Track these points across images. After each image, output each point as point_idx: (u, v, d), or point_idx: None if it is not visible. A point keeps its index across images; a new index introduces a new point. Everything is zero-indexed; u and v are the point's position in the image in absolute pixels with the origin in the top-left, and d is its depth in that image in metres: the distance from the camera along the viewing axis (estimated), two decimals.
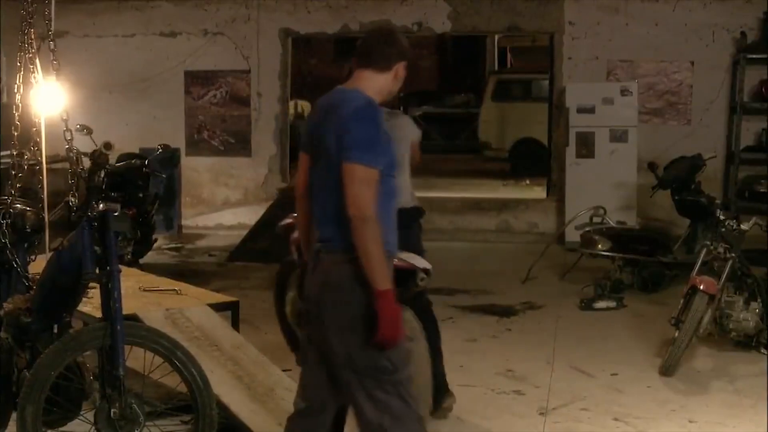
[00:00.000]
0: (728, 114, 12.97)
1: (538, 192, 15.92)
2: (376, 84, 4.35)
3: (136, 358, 5.02)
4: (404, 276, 5.22)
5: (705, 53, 12.89)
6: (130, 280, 7.05)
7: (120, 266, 4.79)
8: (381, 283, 4.00)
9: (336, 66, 32.25)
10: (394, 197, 4.28)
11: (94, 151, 5.79)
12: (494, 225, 13.27)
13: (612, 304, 9.34)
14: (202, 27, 13.67)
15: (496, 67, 27.58)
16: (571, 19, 13.10)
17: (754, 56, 12.57)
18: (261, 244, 12.14)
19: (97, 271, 4.65)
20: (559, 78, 13.26)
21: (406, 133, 6.52)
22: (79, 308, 5.40)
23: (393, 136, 4.37)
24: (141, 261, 10.48)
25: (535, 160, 17.13)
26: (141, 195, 10.63)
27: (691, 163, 10.28)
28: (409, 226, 6.11)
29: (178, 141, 13.68)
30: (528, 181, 18.02)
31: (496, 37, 25.61)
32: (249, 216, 13.25)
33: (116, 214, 4.66)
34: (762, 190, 12.59)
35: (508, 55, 28.58)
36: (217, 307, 6.55)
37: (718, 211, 7.87)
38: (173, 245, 12.71)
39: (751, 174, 12.79)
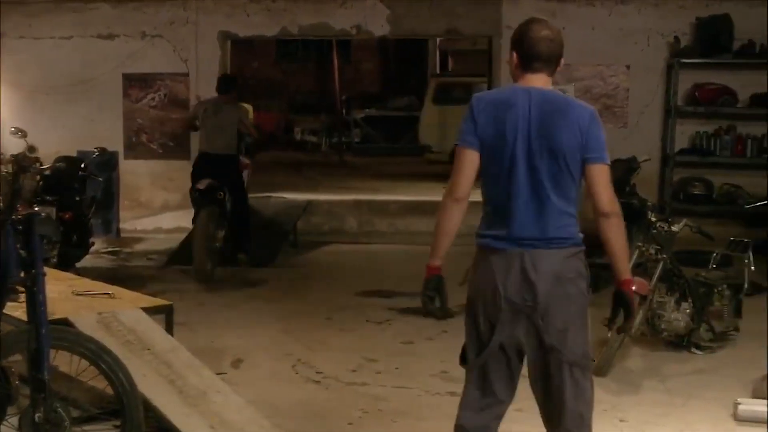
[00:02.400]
0: (663, 117, 13.13)
1: (479, 195, 15.98)
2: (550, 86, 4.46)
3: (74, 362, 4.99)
4: None
5: (640, 57, 13.04)
6: (63, 283, 7.02)
7: (45, 269, 4.75)
8: (629, 272, 4.51)
9: (278, 68, 32.24)
10: None
11: (18, 154, 5.75)
12: (434, 227, 13.28)
13: None
14: (141, 29, 13.56)
15: (438, 70, 27.67)
16: (509, 23, 13.13)
17: (687, 60, 12.74)
18: None
19: (22, 274, 4.60)
20: (498, 81, 13.34)
21: None
22: (9, 312, 5.35)
23: None
24: (78, 265, 10.43)
25: None
26: (77, 198, 10.58)
27: (625, 166, 10.39)
28: None
29: (117, 144, 13.58)
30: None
31: (438, 40, 25.68)
32: (188, 219, 13.11)
33: (41, 216, 4.63)
34: (696, 192, 12.84)
35: (450, 59, 28.71)
36: (151, 311, 6.52)
37: (649, 213, 7.99)
38: (111, 249, 12.63)
39: (686, 176, 13.00)
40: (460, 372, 7.24)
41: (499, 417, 4.61)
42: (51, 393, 4.56)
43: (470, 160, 4.38)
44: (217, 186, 10.98)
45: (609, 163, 4.35)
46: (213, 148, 11.46)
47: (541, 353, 4.39)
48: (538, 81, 4.36)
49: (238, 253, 11.55)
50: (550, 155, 4.28)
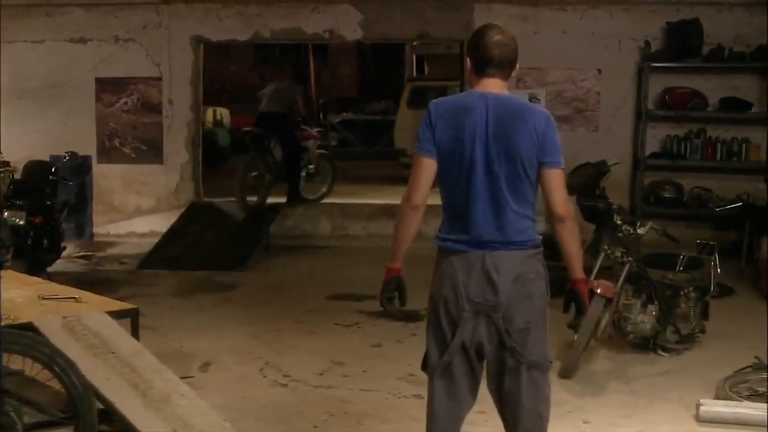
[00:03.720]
0: (634, 121, 13.21)
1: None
2: (506, 91, 4.50)
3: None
4: None
5: (611, 61, 13.11)
6: (30, 288, 7.03)
7: (11, 273, 4.76)
8: (582, 272, 4.59)
9: (256, 72, 32.22)
10: None
11: None
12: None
13: None
14: (113, 33, 13.55)
15: (415, 75, 27.68)
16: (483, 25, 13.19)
17: (658, 65, 12.84)
18: (172, 251, 12.14)
19: None
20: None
21: None
22: None
23: None
24: (49, 269, 10.41)
25: None
26: (48, 203, 10.56)
27: (595, 170, 10.46)
28: None
29: (90, 148, 13.58)
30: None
31: (413, 44, 25.70)
32: (161, 223, 13.19)
33: None
34: (667, 195, 12.92)
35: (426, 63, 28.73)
36: (117, 315, 6.52)
37: (615, 216, 8.05)
38: (84, 253, 12.60)
39: (657, 179, 13.07)
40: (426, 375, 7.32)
41: (462, 418, 4.65)
42: (3, 396, 4.55)
43: (427, 168, 4.43)
44: (262, 135, 13.65)
45: (563, 167, 4.41)
46: (268, 107, 14.10)
47: (501, 353, 4.43)
48: (493, 86, 4.41)
49: (295, 194, 13.93)
50: (508, 159, 4.33)
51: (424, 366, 4.65)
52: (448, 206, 4.51)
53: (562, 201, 4.39)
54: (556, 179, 4.39)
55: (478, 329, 4.42)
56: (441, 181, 4.46)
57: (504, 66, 4.42)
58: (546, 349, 4.52)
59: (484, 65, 4.42)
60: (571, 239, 4.46)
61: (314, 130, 15.25)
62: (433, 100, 4.56)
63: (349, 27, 13.45)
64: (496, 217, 4.37)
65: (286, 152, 13.97)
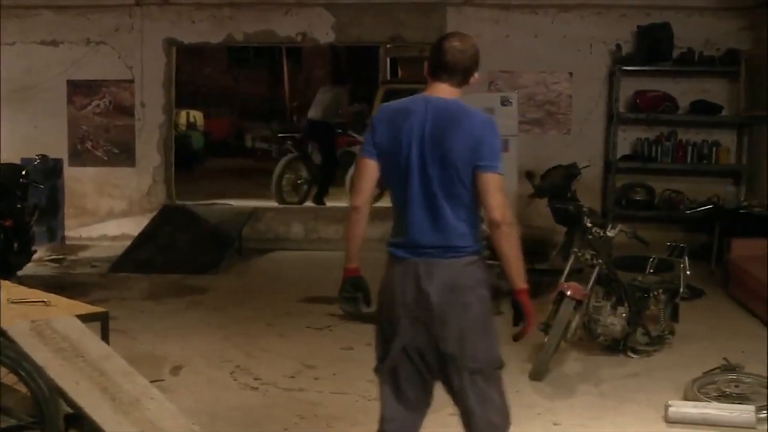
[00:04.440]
0: (606, 124, 13.27)
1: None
2: (458, 96, 4.43)
3: None
4: None
5: (583, 64, 13.17)
6: None
7: None
8: (523, 281, 4.40)
9: (230, 75, 32.19)
10: None
11: None
12: (380, 233, 13.31)
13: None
14: (85, 36, 13.49)
15: (389, 77, 27.67)
16: (454, 30, 13.22)
17: (629, 68, 12.90)
18: (143, 254, 12.10)
19: None
20: None
21: None
22: None
23: None
24: (20, 273, 10.37)
25: None
26: (19, 206, 10.51)
27: (566, 172, 10.49)
28: None
29: (61, 151, 13.53)
30: None
31: (387, 47, 25.71)
32: (133, 226, 13.15)
33: None
34: (638, 198, 12.98)
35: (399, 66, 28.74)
36: (86, 318, 6.49)
37: (585, 218, 8.09)
38: (55, 256, 12.55)
39: (628, 182, 13.14)
40: None
41: (416, 421, 4.62)
42: None
43: (368, 170, 4.44)
44: (303, 140, 15.80)
45: (502, 172, 4.30)
46: (314, 115, 15.27)
47: (441, 360, 4.41)
48: (442, 90, 4.39)
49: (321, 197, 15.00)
50: (442, 163, 4.29)
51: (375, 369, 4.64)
52: (393, 209, 4.50)
53: (496, 205, 4.26)
54: (490, 183, 4.27)
55: (416, 336, 4.41)
56: (387, 183, 4.48)
57: (456, 72, 4.38)
58: (492, 356, 4.44)
59: (436, 69, 4.41)
60: (508, 246, 4.30)
61: (360, 136, 15.58)
62: (381, 104, 4.60)
63: (322, 30, 13.45)
64: (432, 221, 4.34)
65: (324, 159, 15.49)
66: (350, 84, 16.68)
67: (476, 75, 4.46)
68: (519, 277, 4.38)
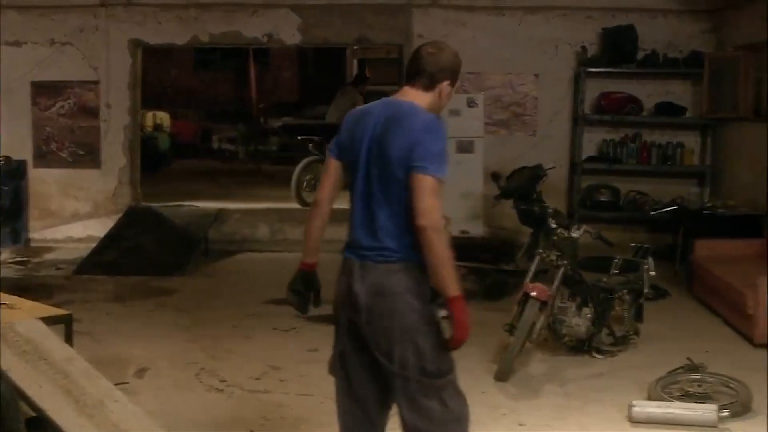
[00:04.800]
0: (571, 125, 13.33)
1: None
2: (424, 102, 4.37)
3: None
4: None
5: (549, 66, 13.23)
6: None
7: None
8: (453, 289, 4.19)
9: (196, 76, 32.06)
10: None
11: None
12: (344, 235, 13.33)
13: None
14: (49, 37, 13.38)
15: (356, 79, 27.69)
16: (420, 32, 13.26)
17: (594, 70, 12.98)
18: (109, 256, 12.05)
19: None
20: None
21: None
22: None
23: None
24: None
25: None
26: None
27: (531, 174, 10.53)
28: None
29: (25, 152, 13.44)
30: None
31: (354, 48, 25.74)
32: (98, 228, 13.08)
33: None
34: (603, 199, 13.04)
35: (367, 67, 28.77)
36: (50, 321, 6.47)
37: (550, 219, 8.12)
38: (19, 259, 12.46)
39: (593, 183, 13.21)
40: None
41: (375, 421, 4.60)
42: None
43: (331, 168, 4.52)
44: (321, 142, 15.10)
45: (437, 175, 4.16)
46: (331, 119, 15.51)
47: (377, 364, 4.40)
48: (406, 93, 4.39)
49: None
50: (383, 164, 4.27)
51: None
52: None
53: (422, 209, 4.12)
54: (419, 185, 4.14)
55: (354, 338, 4.45)
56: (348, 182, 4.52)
57: (421, 75, 4.36)
58: (425, 366, 4.31)
59: (407, 73, 4.46)
60: (433, 252, 4.14)
61: None
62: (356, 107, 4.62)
63: (288, 31, 13.43)
64: (370, 221, 4.34)
65: None
66: (364, 86, 16.90)
67: (446, 84, 4.39)
68: (448, 285, 4.18)
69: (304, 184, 15.04)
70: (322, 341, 8.40)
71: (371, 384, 4.50)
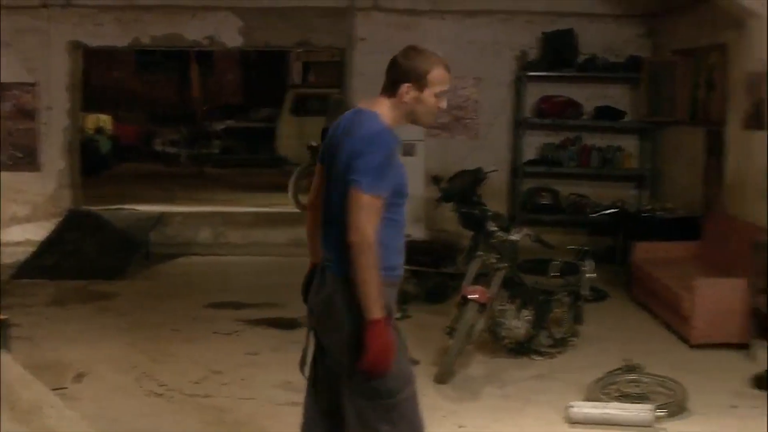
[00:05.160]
0: (512, 129, 13.42)
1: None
2: (386, 108, 4.25)
3: None
4: None
5: (490, 70, 13.30)
6: None
7: None
8: (373, 311, 4.02)
9: (138, 78, 31.88)
10: (403, 225, 4.32)
11: None
12: (287, 238, 13.33)
13: (396, 315, 9.50)
14: None
15: (302, 82, 27.73)
16: (363, 35, 13.30)
17: (534, 74, 13.08)
18: (49, 260, 11.93)
19: None
20: (351, 92, 13.45)
21: None
22: None
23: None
24: None
25: None
26: None
27: (472, 177, 10.60)
28: None
29: None
30: None
31: (298, 51, 25.73)
32: (37, 232, 12.92)
33: None
34: (544, 202, 13.15)
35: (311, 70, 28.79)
36: None
37: (488, 222, 8.18)
38: None
39: (534, 186, 13.31)
40: (302, 382, 7.34)
41: (334, 430, 4.53)
42: None
43: (318, 173, 4.49)
44: (317, 147, 13.85)
45: (371, 191, 4.02)
46: (328, 124, 14.04)
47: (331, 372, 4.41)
48: (374, 102, 4.31)
49: None
50: (335, 174, 4.24)
51: None
52: None
53: (351, 224, 4.02)
54: (352, 199, 4.04)
55: (315, 345, 4.49)
56: None
57: (386, 81, 4.29)
58: (368, 385, 4.19)
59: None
60: (357, 270, 4.02)
61: None
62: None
63: (230, 34, 13.38)
64: (329, 230, 4.31)
65: None
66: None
67: (406, 87, 4.21)
68: (367, 306, 4.03)
69: (301, 188, 15.31)
70: (264, 345, 8.49)
71: (329, 393, 4.45)
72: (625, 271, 10.94)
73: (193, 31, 13.36)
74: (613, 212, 12.18)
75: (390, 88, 4.26)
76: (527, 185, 13.37)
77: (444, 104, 4.34)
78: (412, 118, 4.31)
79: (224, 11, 13.27)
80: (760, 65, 9.48)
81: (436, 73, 4.25)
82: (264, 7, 13.29)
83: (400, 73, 4.23)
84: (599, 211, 12.49)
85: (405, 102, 4.22)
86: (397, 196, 4.19)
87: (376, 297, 4.03)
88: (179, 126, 27.16)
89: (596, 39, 13.20)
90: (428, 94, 4.24)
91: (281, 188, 16.52)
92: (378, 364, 4.05)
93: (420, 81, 4.22)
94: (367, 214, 4.02)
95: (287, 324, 9.13)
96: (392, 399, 4.22)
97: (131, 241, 12.57)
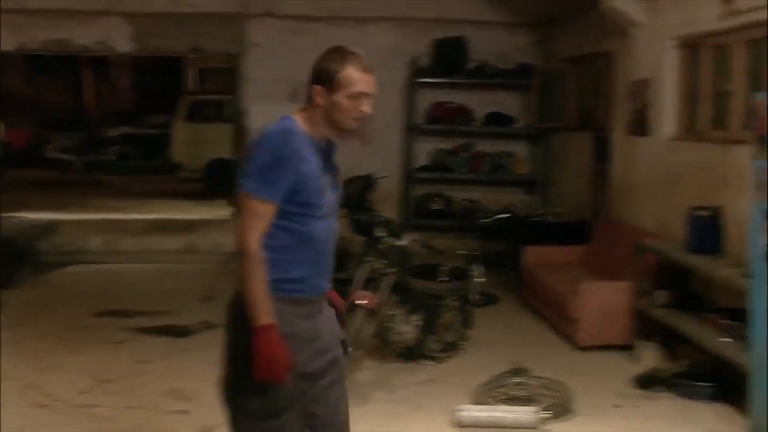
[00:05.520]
0: (404, 134, 13.51)
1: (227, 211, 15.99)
2: (300, 112, 4.00)
3: None
4: None
5: (383, 76, 13.09)
6: None
7: None
8: (256, 318, 3.77)
9: (29, 83, 31.31)
10: (316, 239, 3.94)
11: None
12: (180, 245, 13.24)
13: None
14: None
15: (198, 88, 27.52)
16: (256, 41, 13.28)
17: (425, 80, 13.21)
18: None
19: None
20: (243, 99, 13.41)
21: None
22: None
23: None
24: None
25: (229, 180, 17.22)
26: None
27: (363, 183, 10.62)
28: None
29: None
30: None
31: (193, 57, 25.55)
32: None
33: None
34: (435, 208, 13.27)
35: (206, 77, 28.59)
36: None
37: (377, 228, 8.23)
38: None
39: (426, 192, 13.43)
40: (192, 391, 7.31)
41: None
42: None
43: None
44: None
45: (252, 192, 3.80)
46: None
47: None
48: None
49: None
50: None
51: None
52: None
53: (236, 230, 3.88)
54: (240, 203, 3.88)
55: None
56: None
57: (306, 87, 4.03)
58: (233, 401, 3.97)
59: None
60: (240, 277, 3.83)
61: None
62: None
63: (121, 39, 13.26)
64: None
65: None
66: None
67: (316, 89, 3.95)
68: (251, 313, 3.79)
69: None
70: (154, 353, 8.42)
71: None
72: (516, 276, 11.08)
73: (83, 36, 13.22)
74: (504, 217, 12.34)
75: (307, 93, 3.98)
76: (420, 191, 13.48)
77: (367, 108, 4.04)
78: (331, 124, 3.99)
79: (115, 16, 13.14)
80: (643, 72, 9.72)
81: (348, 74, 3.96)
82: (155, 13, 13.19)
83: (312, 75, 3.97)
84: (490, 217, 12.65)
85: (319, 106, 3.94)
86: (304, 207, 3.88)
87: (259, 304, 3.78)
88: (72, 132, 26.76)
89: (488, 46, 13.38)
90: (341, 97, 3.93)
91: (175, 195, 16.40)
92: (265, 371, 3.77)
93: (330, 83, 3.94)
94: (249, 219, 3.81)
95: (178, 332, 9.07)
96: (263, 423, 3.92)
97: (19, 249, 12.33)
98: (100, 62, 29.86)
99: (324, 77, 3.95)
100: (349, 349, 4.32)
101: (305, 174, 3.86)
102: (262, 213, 3.82)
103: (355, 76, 3.99)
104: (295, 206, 3.86)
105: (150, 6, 13.15)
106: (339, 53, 4.04)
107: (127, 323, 9.47)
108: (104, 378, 7.69)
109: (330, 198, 4.03)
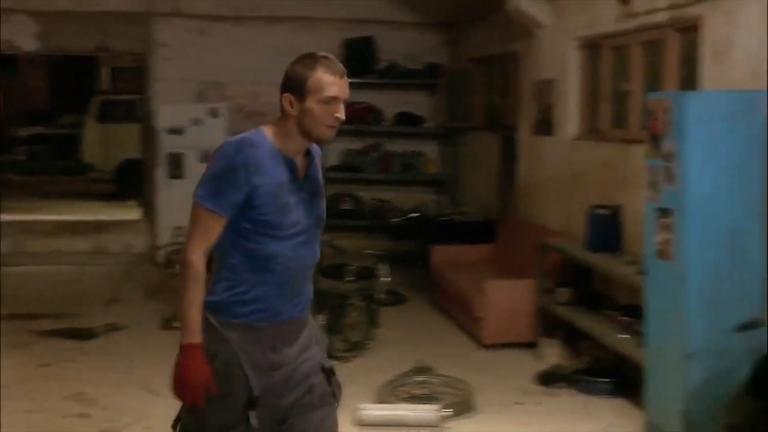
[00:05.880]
0: None
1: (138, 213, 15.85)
2: (274, 125, 3.79)
3: None
4: None
5: None
6: None
7: None
8: (182, 335, 3.65)
9: None
10: (274, 261, 3.70)
11: None
12: (89, 247, 13.10)
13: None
14: None
15: (111, 88, 27.23)
16: (164, 41, 13.18)
17: None
18: None
19: None
20: (153, 99, 13.30)
21: None
22: None
23: None
24: None
25: (140, 181, 17.09)
26: None
27: None
28: None
29: None
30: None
31: (105, 57, 25.28)
32: None
33: None
34: (345, 207, 13.30)
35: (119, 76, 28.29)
36: None
37: None
38: None
39: (336, 192, 13.45)
40: (94, 394, 7.25)
41: None
42: None
43: None
44: None
45: (197, 200, 3.64)
46: None
47: None
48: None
49: None
50: None
51: None
52: None
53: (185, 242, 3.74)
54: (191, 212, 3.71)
55: None
56: None
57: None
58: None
59: None
60: (179, 289, 3.70)
61: None
62: None
63: (26, 38, 13.04)
64: None
65: None
66: None
67: (284, 97, 3.75)
68: (182, 329, 3.68)
69: None
70: (56, 356, 8.33)
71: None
72: (425, 275, 11.15)
73: None
74: (413, 217, 12.40)
75: (280, 103, 3.77)
76: (330, 191, 13.38)
77: (340, 113, 3.73)
78: (305, 133, 3.74)
79: (20, 14, 12.89)
80: (547, 73, 9.85)
81: (317, 78, 3.71)
82: (61, 11, 12.98)
83: (282, 83, 3.78)
84: (400, 216, 12.72)
85: (291, 116, 3.71)
86: (260, 225, 3.66)
87: (187, 320, 3.64)
88: None
89: (398, 46, 13.45)
90: (312, 103, 3.70)
91: (86, 196, 16.21)
92: (177, 390, 3.67)
93: (300, 89, 3.71)
94: (195, 229, 3.65)
95: (83, 334, 8.98)
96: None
97: None
98: (9, 60, 29.33)
99: (293, 84, 3.74)
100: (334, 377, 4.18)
101: (259, 187, 3.63)
102: (208, 224, 3.65)
103: (325, 80, 3.73)
104: (250, 223, 3.67)
105: (54, 4, 12.94)
106: (308, 58, 3.82)
107: (31, 326, 9.34)
108: (4, 382, 7.50)
109: (299, 217, 3.77)
